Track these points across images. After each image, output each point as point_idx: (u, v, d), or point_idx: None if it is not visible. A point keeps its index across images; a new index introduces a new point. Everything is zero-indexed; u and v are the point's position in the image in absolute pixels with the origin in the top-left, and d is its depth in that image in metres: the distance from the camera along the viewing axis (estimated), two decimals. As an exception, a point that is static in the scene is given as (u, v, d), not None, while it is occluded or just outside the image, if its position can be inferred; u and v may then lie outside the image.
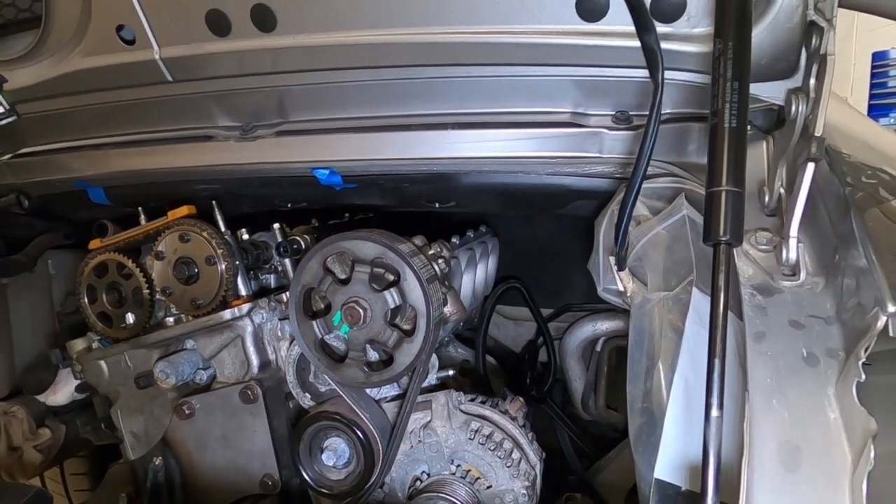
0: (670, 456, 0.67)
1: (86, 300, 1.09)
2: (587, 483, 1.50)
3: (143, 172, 1.07)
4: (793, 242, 0.65)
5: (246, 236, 1.11)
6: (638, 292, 0.82)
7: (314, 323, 0.86)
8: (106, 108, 1.06)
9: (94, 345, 1.11)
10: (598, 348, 1.57)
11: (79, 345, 1.13)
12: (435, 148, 0.94)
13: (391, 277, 0.83)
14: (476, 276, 1.29)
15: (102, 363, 1.07)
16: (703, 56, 0.73)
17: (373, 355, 0.86)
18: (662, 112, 0.88)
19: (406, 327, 0.83)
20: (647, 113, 0.81)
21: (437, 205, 1.11)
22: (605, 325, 1.52)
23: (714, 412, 0.51)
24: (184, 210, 1.02)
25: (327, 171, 1.00)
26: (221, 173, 1.04)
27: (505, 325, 1.81)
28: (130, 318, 1.06)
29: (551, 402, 1.69)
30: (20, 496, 0.62)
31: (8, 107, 0.98)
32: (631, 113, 0.89)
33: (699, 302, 0.71)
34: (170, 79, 0.93)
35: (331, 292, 0.84)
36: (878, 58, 5.04)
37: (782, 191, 0.73)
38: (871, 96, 5.14)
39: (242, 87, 0.98)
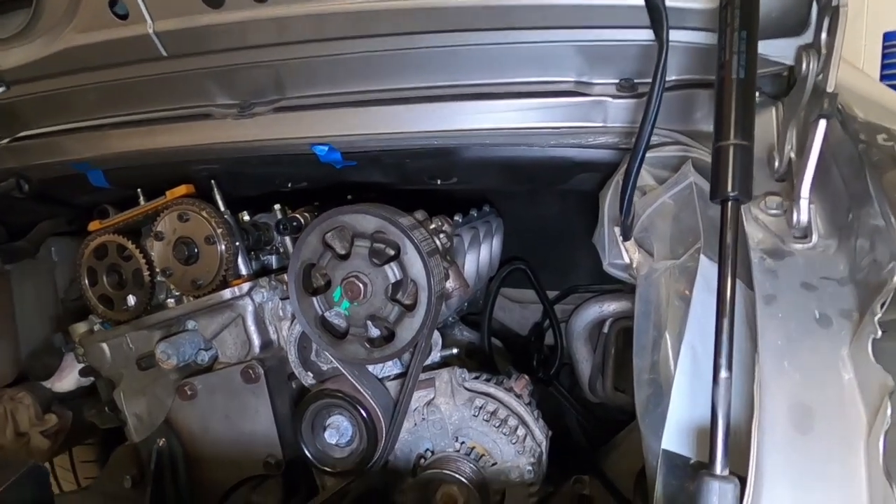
0: (678, 426, 0.65)
1: (86, 282, 1.08)
2: (595, 465, 1.49)
3: (141, 153, 1.06)
4: (804, 204, 0.62)
5: (247, 217, 1.10)
6: (644, 263, 0.80)
7: (314, 300, 0.85)
8: (102, 87, 1.04)
9: (96, 328, 1.10)
10: (606, 330, 1.55)
11: (81, 328, 1.13)
12: (435, 121, 0.92)
13: (391, 252, 0.82)
14: (480, 255, 1.27)
15: (104, 346, 1.07)
16: (709, 13, 0.70)
17: (374, 331, 0.85)
18: (667, 79, 0.86)
19: (407, 302, 0.82)
20: (651, 79, 0.79)
21: (438, 181, 1.09)
22: (611, 307, 1.49)
23: (723, 373, 0.49)
24: (182, 189, 1.01)
25: (326, 148, 0.99)
26: (220, 152, 1.03)
27: (510, 308, 1.79)
28: (131, 299, 1.05)
29: (558, 385, 1.67)
30: (14, 471, 0.62)
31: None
32: (635, 80, 0.86)
33: (707, 269, 0.69)
34: (164, 53, 0.91)
35: (330, 268, 0.83)
36: (890, 38, 4.95)
37: (792, 155, 0.71)
38: (882, 77, 5.05)
39: (239, 63, 0.97)
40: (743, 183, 0.53)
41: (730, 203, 0.54)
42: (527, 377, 1.04)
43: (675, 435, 0.66)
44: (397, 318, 0.81)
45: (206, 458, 0.99)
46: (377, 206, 0.81)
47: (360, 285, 0.80)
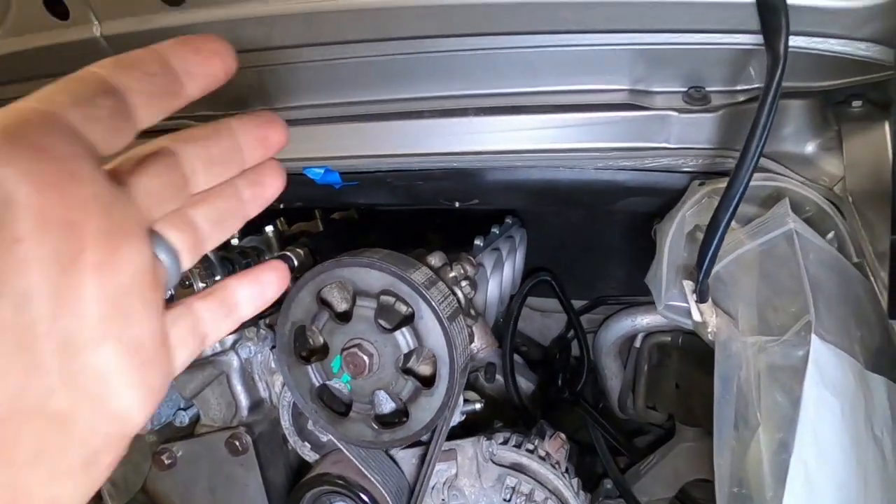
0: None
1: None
2: (626, 489, 1.35)
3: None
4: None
5: (235, 240, 0.94)
6: (724, 329, 0.63)
7: (310, 368, 0.69)
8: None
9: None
10: (637, 344, 1.40)
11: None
12: (453, 140, 0.74)
13: (403, 310, 0.66)
14: (503, 276, 1.11)
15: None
16: (839, 14, 0.52)
17: (384, 405, 0.69)
18: (745, 87, 0.68)
19: (424, 374, 0.66)
20: (739, 87, 0.62)
21: (456, 203, 0.92)
22: (644, 320, 1.34)
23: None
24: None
25: (322, 170, 0.81)
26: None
27: (531, 317, 1.64)
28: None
29: (585, 403, 1.53)
30: None
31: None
32: (708, 89, 0.68)
33: (821, 355, 0.52)
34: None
35: (328, 331, 0.67)
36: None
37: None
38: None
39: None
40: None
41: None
42: (563, 436, 0.88)
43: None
44: (412, 394, 0.66)
45: (189, 537, 0.86)
46: (385, 256, 0.65)
47: (364, 357, 0.64)
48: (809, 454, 0.50)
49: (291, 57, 0.76)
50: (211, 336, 0.32)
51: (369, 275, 0.63)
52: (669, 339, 1.36)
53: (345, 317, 0.66)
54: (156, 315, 0.27)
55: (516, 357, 1.50)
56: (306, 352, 0.71)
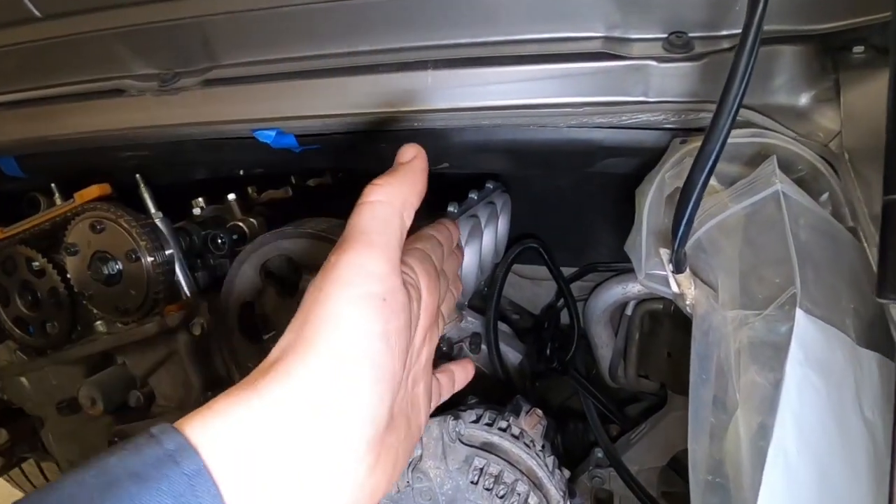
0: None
1: (-3, 303, 0.88)
2: (616, 458, 1.33)
3: (43, 140, 0.83)
4: None
5: (198, 210, 0.88)
6: (703, 301, 0.57)
7: (260, 347, 0.64)
8: (-10, 57, 0.81)
9: (16, 355, 0.91)
10: (629, 312, 1.36)
11: (3, 353, 0.94)
12: (412, 96, 0.67)
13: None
14: (483, 246, 1.05)
15: (23, 379, 0.88)
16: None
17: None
18: (730, 31, 0.61)
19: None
20: (724, 33, 0.55)
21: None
22: (636, 288, 1.29)
23: None
24: (94, 191, 0.79)
25: (273, 132, 0.75)
26: (140, 138, 0.79)
27: (521, 285, 1.59)
28: (52, 323, 0.86)
29: (575, 372, 1.49)
30: None
31: None
32: (691, 35, 0.61)
33: (806, 332, 0.46)
34: (37, 14, 0.66)
35: (273, 308, 0.62)
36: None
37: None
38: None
39: (153, 21, 0.72)
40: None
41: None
42: (539, 412, 0.84)
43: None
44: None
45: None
46: (333, 226, 0.59)
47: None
48: (790, 441, 0.45)
49: (234, 5, 0.69)
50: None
51: (315, 246, 0.58)
52: (661, 306, 1.31)
53: (289, 294, 0.60)
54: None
55: (505, 326, 1.45)
56: (252, 332, 0.65)
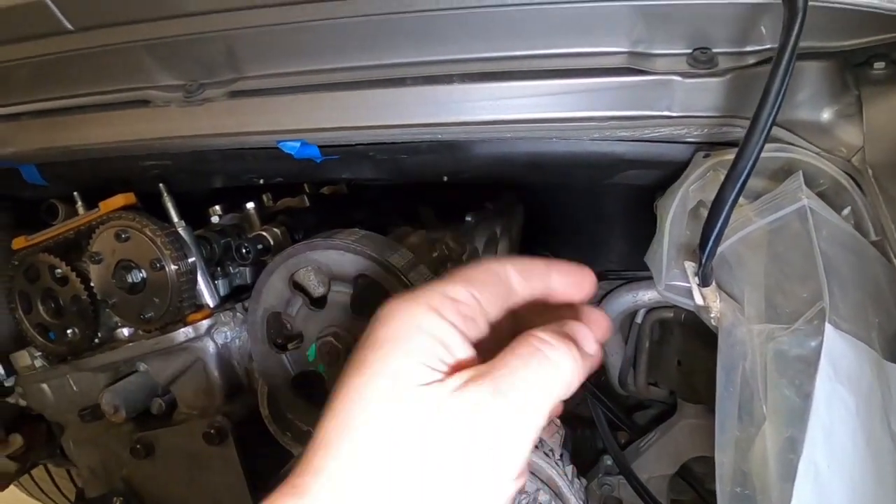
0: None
1: (20, 310, 0.89)
2: (626, 466, 1.33)
3: (68, 149, 0.84)
4: None
5: (217, 218, 0.89)
6: (729, 315, 0.58)
7: (284, 357, 0.65)
8: (16, 67, 0.82)
9: (37, 362, 0.92)
10: (639, 320, 1.36)
11: (23, 359, 0.94)
12: (437, 110, 0.68)
13: (381, 295, 0.61)
14: (497, 254, 1.06)
15: (45, 386, 0.88)
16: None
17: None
18: (755, 48, 0.62)
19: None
20: (749, 49, 0.56)
21: (444, 178, 0.87)
22: (646, 296, 1.30)
23: None
24: (119, 200, 0.79)
25: (298, 144, 0.76)
26: (164, 148, 0.80)
27: (530, 293, 1.60)
28: (74, 331, 0.86)
29: (586, 380, 1.49)
30: None
31: None
32: (715, 51, 0.62)
33: (836, 347, 0.47)
34: (69, 27, 0.67)
35: (301, 318, 0.62)
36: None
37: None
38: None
39: (176, 34, 0.73)
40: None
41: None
42: (557, 422, 0.85)
43: None
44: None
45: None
46: (361, 238, 0.60)
47: (340, 346, 0.59)
48: (820, 455, 0.46)
49: (262, 19, 0.70)
50: None
51: (344, 258, 0.58)
52: (672, 314, 1.31)
53: (320, 303, 0.61)
54: None
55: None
56: (282, 339, 0.66)
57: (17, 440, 1.24)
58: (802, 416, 0.47)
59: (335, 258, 0.59)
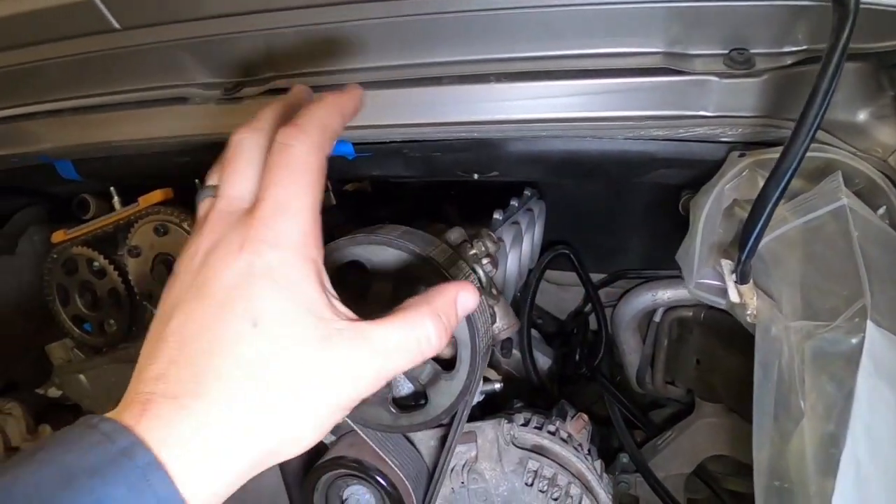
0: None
1: (57, 302, 0.91)
2: (643, 464, 1.34)
3: (108, 145, 0.86)
4: None
5: (245, 213, 0.90)
6: (766, 312, 0.59)
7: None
8: (57, 64, 0.83)
9: (73, 354, 0.94)
10: (657, 319, 1.37)
11: (57, 351, 0.96)
12: (473, 108, 0.70)
13: (421, 290, 0.62)
14: (522, 251, 1.07)
15: (82, 377, 0.90)
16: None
17: (401, 388, 0.66)
18: (792, 49, 0.63)
19: (444, 356, 0.63)
20: (787, 49, 0.56)
21: (475, 176, 0.88)
22: (665, 294, 1.30)
23: None
24: (157, 195, 0.81)
25: (334, 141, 0.77)
26: (202, 144, 0.82)
27: (548, 290, 1.60)
28: (111, 323, 0.88)
29: (603, 378, 1.50)
30: None
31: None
32: (752, 51, 0.63)
33: (877, 345, 0.48)
34: (116, 26, 0.69)
35: (342, 312, 0.64)
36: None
37: None
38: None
39: (218, 33, 0.75)
40: None
41: None
42: (585, 417, 0.86)
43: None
44: (431, 378, 0.63)
45: (205, 516, 0.84)
46: (402, 234, 0.61)
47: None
48: (862, 450, 0.46)
49: (300, 19, 0.72)
50: None
51: (385, 253, 0.60)
52: (691, 313, 1.32)
53: (360, 298, 0.62)
54: None
55: (534, 332, 1.47)
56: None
57: (45, 430, 1.27)
58: (843, 411, 0.48)
59: (376, 253, 0.60)
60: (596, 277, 1.44)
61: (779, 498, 0.51)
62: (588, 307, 1.48)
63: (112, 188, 0.89)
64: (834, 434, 0.48)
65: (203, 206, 0.43)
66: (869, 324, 0.48)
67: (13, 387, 1.27)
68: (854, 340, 0.48)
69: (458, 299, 0.43)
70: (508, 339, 1.36)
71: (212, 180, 0.47)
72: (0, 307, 1.24)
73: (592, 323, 1.50)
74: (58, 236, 0.90)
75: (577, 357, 1.48)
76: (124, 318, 0.86)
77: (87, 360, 0.90)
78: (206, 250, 0.39)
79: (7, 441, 1.24)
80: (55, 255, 0.89)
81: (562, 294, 1.62)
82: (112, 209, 0.87)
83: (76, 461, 0.31)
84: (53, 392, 1.27)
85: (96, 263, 0.86)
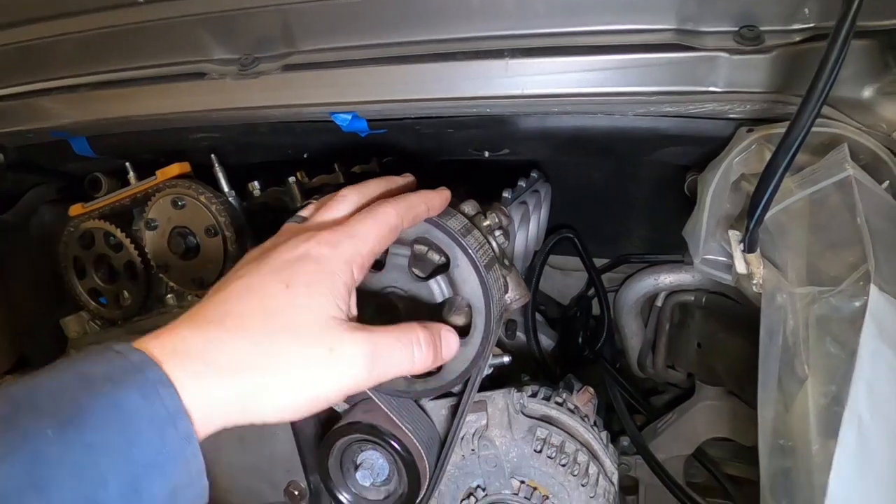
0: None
1: (73, 275, 0.92)
2: (643, 446, 1.36)
3: (126, 120, 0.87)
4: None
5: (258, 192, 0.92)
6: (772, 280, 0.61)
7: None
8: (75, 39, 0.85)
9: (89, 325, 0.96)
10: (659, 304, 1.39)
11: (73, 324, 0.98)
12: (487, 84, 0.71)
13: (437, 259, 0.64)
14: (529, 232, 1.09)
15: (98, 348, 0.92)
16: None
17: (415, 355, 0.68)
18: (801, 26, 0.64)
19: (457, 324, 0.64)
20: (796, 27, 0.58)
21: (486, 153, 0.90)
22: (667, 279, 1.32)
23: None
24: (175, 169, 0.83)
25: (349, 116, 0.79)
26: (218, 120, 0.83)
27: (551, 275, 1.63)
28: (126, 295, 0.90)
29: (605, 362, 1.52)
30: None
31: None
32: (762, 28, 0.64)
33: (880, 307, 0.50)
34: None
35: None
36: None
37: None
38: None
39: (236, 8, 0.76)
40: None
41: None
42: (591, 390, 0.88)
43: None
44: (445, 344, 0.64)
45: (220, 483, 0.86)
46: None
47: (399, 305, 0.62)
48: (864, 408, 0.48)
49: (317, -5, 0.73)
50: None
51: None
52: (693, 298, 1.34)
53: (378, 265, 0.64)
54: None
55: (537, 315, 1.48)
56: (336, 301, 0.69)
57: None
58: (846, 371, 0.50)
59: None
60: (599, 262, 1.46)
61: (782, 455, 0.54)
62: (591, 291, 1.50)
63: (127, 164, 0.91)
64: (837, 393, 0.50)
65: (286, 226, 0.53)
66: (872, 287, 0.50)
67: (25, 362, 1.29)
68: (857, 303, 0.50)
69: (443, 331, 0.52)
70: (512, 321, 1.38)
71: (305, 212, 0.55)
72: (11, 284, 1.26)
73: (595, 307, 1.52)
74: (75, 209, 0.91)
75: (580, 340, 1.50)
76: (140, 291, 0.88)
77: (102, 333, 0.91)
78: (280, 242, 0.47)
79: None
80: (72, 229, 0.91)
81: (565, 279, 1.64)
82: (124, 187, 0.88)
83: (95, 369, 0.35)
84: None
85: (113, 237, 0.87)
